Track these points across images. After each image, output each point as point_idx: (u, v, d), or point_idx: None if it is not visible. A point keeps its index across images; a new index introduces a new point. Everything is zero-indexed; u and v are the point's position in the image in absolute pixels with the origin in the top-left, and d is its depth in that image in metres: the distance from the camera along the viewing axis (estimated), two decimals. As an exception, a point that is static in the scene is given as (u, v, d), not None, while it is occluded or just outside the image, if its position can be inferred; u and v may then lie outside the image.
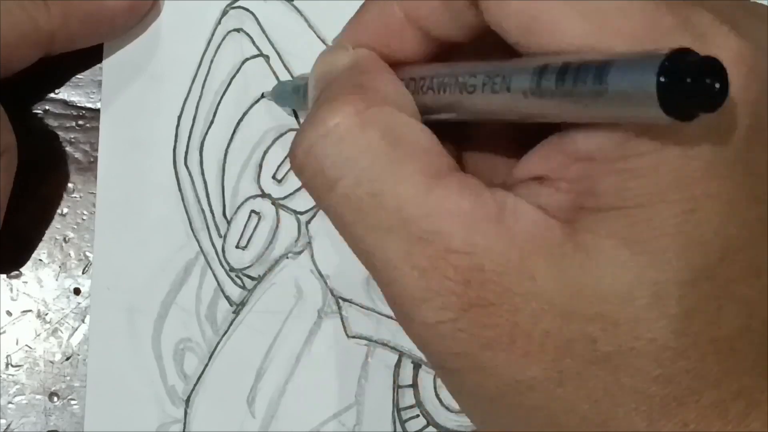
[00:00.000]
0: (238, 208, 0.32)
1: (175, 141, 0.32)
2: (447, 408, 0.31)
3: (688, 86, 0.18)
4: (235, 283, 0.31)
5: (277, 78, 0.32)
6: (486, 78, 0.22)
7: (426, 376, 0.31)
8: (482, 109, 0.23)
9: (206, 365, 0.31)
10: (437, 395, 0.31)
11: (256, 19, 0.32)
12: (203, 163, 0.32)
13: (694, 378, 0.21)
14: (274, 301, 0.31)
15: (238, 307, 0.31)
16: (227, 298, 0.31)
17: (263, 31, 0.32)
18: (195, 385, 0.31)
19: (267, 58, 0.32)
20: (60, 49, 0.31)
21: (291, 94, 0.30)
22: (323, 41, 0.31)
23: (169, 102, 0.32)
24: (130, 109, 0.32)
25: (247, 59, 0.32)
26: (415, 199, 0.22)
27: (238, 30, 0.32)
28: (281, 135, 0.32)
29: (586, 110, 0.20)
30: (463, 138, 0.26)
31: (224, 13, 0.32)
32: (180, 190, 0.31)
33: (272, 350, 0.31)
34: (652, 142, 0.21)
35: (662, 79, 0.18)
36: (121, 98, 0.31)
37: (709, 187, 0.21)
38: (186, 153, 0.32)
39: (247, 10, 0.32)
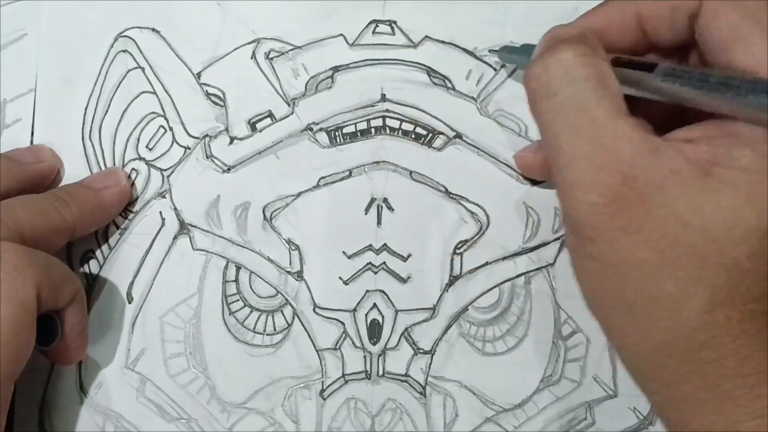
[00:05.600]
0: (123, 166, 0.38)
1: (83, 123, 0.38)
2: (256, 293, 0.36)
3: None
4: (122, 215, 0.38)
5: (150, 84, 0.38)
6: (669, 68, 0.26)
7: (243, 274, 0.36)
8: (657, 89, 0.26)
9: (101, 268, 0.38)
10: (251, 286, 0.36)
11: (136, 43, 0.38)
12: (101, 138, 0.38)
13: (742, 293, 0.24)
14: (147, 226, 0.38)
15: (123, 230, 0.38)
16: (116, 225, 0.38)
17: (140, 51, 0.38)
18: (95, 278, 0.37)
19: (143, 69, 0.38)
20: (78, 234, 0.35)
21: (512, 54, 0.34)
22: (180, 59, 0.38)
23: (81, 98, 0.38)
24: (59, 103, 0.38)
25: (130, 70, 0.38)
26: (605, 120, 0.25)
27: (124, 51, 0.38)
28: (153, 119, 0.38)
29: (743, 109, 0.24)
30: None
31: (116, 39, 0.38)
32: (86, 155, 0.38)
33: (145, 258, 0.37)
34: None
35: None
36: (52, 97, 0.38)
37: None
38: (90, 131, 0.38)
39: (129, 37, 0.38)
